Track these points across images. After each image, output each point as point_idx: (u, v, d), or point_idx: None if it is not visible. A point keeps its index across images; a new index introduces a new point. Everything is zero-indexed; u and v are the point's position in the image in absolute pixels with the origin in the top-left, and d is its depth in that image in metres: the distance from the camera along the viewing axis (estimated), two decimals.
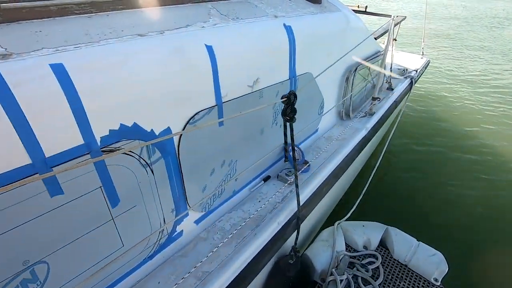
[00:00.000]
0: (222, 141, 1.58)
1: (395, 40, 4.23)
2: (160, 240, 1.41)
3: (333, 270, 2.01)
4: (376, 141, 3.65)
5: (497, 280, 2.70)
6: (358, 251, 2.26)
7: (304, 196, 1.96)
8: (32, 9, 1.02)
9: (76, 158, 1.00)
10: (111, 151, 1.08)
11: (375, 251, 2.28)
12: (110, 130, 1.06)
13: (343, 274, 1.99)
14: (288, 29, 1.81)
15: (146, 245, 1.35)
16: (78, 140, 0.99)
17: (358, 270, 2.09)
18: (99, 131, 1.03)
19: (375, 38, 3.86)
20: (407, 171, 3.91)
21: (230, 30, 1.49)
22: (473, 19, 15.81)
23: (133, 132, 1.13)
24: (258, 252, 1.56)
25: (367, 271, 2.09)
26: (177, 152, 1.34)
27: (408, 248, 2.25)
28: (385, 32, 3.69)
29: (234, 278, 1.43)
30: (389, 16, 4.30)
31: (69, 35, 1.03)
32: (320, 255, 2.10)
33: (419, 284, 2.09)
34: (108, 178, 1.10)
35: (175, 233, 1.50)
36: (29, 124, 0.87)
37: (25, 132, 0.86)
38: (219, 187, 1.66)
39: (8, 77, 0.83)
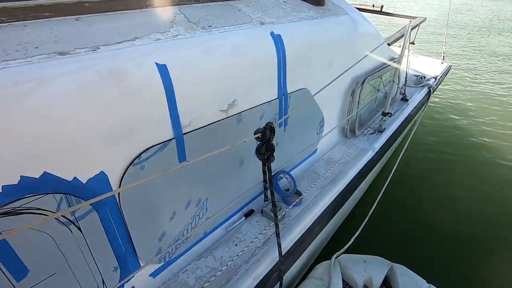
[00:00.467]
0: (186, 179, 1.28)
1: (413, 43, 3.80)
2: None
3: None
4: (385, 160, 3.26)
5: None
6: None
7: (294, 235, 1.64)
8: None
9: None
10: (6, 213, 0.80)
11: None
12: (3, 186, 0.78)
13: None
14: (277, 38, 1.48)
15: None
16: None
17: None
18: None
19: (391, 42, 3.46)
20: (420, 194, 3.50)
21: (196, 42, 1.18)
22: (502, 22, 14.79)
23: (44, 184, 0.85)
24: None
25: None
26: (117, 199, 1.05)
27: None
28: (401, 36, 3.28)
29: None
30: (407, 17, 3.88)
31: None
32: None
33: None
34: (6, 248, 0.82)
35: None
36: None
37: None
38: (184, 231, 1.37)
39: None
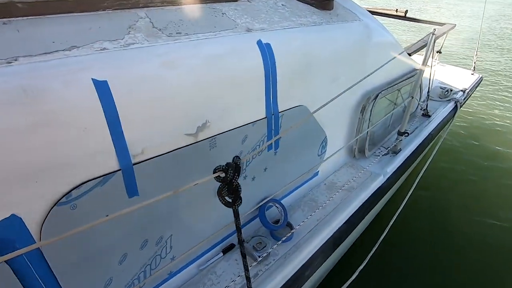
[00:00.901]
0: (140, 215, 1.07)
1: (439, 52, 3.43)
2: None
3: None
4: (400, 183, 2.91)
5: None
6: None
7: (280, 279, 1.39)
8: None
9: None
10: None
11: None
12: None
13: None
14: (266, 48, 1.24)
15: None
16: None
17: None
18: None
19: (415, 51, 3.11)
20: (437, 223, 3.10)
21: (154, 53, 0.96)
22: None
23: None
24: None
25: None
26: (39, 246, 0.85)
27: None
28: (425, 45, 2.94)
29: None
30: (434, 23, 3.50)
31: None
32: None
33: None
34: None
35: None
36: None
37: None
38: (140, 274, 1.16)
39: None
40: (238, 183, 0.88)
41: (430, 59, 2.31)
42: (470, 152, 4.25)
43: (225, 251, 1.48)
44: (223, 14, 1.29)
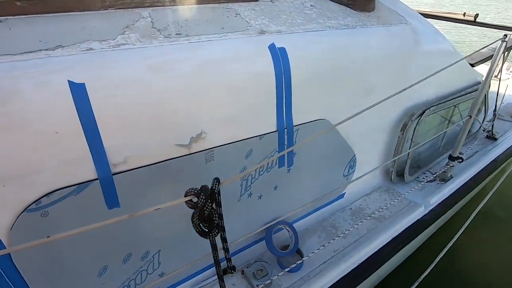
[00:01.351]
0: (122, 227, 1.00)
1: None
2: None
3: None
4: (447, 217, 2.46)
5: None
6: None
7: None
8: None
9: None
10: None
11: None
12: None
13: None
14: (279, 53, 1.09)
15: None
16: None
17: None
18: None
19: (481, 61, 2.64)
20: (498, 267, 2.55)
21: (142, 55, 0.88)
22: None
23: None
24: None
25: None
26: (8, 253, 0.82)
27: None
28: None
29: None
30: (507, 28, 2.96)
31: None
32: None
33: None
34: None
35: None
36: None
37: None
38: (124, 287, 1.09)
39: None
40: (215, 210, 0.75)
41: (498, 67, 1.90)
42: None
43: (225, 271, 1.35)
44: (236, 14, 1.18)
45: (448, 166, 1.95)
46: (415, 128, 1.75)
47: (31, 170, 0.77)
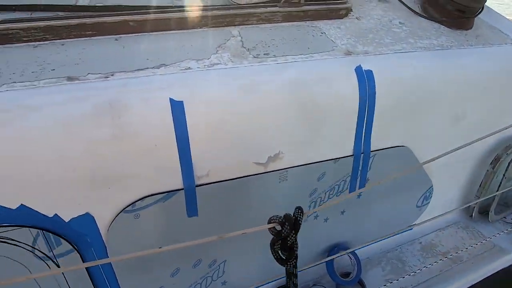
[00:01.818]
0: (197, 236, 1.05)
1: None
2: None
3: None
4: None
5: None
6: None
7: None
8: None
9: None
10: None
11: None
12: None
13: None
14: (365, 75, 1.05)
15: None
16: None
17: None
18: None
19: None
20: None
21: (234, 75, 0.92)
22: None
23: (19, 216, 0.79)
24: None
25: None
26: (103, 243, 0.92)
27: None
28: None
29: None
30: None
31: None
32: None
33: None
34: None
35: None
36: None
37: None
38: None
39: None
40: (296, 240, 0.74)
41: None
42: None
43: None
44: (322, 33, 1.16)
45: None
46: (510, 163, 1.53)
47: (131, 176, 0.86)
